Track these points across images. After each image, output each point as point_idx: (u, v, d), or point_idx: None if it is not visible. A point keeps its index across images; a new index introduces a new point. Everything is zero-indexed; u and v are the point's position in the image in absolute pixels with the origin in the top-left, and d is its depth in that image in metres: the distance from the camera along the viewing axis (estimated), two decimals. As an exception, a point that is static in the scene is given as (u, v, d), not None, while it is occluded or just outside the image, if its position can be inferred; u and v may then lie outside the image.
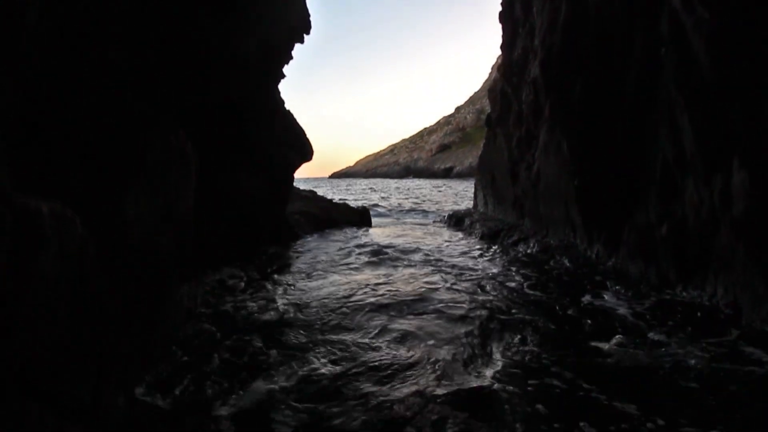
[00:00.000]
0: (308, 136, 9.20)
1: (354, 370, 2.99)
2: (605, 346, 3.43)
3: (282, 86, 8.49)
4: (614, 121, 5.86)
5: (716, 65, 4.08)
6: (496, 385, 2.78)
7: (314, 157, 9.47)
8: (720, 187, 4.07)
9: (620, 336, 3.59)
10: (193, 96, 4.33)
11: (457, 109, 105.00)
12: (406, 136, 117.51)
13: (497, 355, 3.31)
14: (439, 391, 2.62)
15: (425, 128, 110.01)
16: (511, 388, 2.76)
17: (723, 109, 4.09)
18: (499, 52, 10.39)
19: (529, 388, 2.77)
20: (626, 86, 5.69)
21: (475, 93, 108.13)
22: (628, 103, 5.66)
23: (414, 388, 2.63)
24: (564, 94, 6.59)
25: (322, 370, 3.01)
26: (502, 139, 10.00)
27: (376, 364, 3.10)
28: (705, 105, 4.28)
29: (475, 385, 2.79)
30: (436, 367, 3.06)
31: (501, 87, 10.15)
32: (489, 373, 3.00)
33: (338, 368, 3.03)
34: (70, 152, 2.52)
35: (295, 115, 8.96)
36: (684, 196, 4.65)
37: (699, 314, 4.00)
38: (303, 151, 9.02)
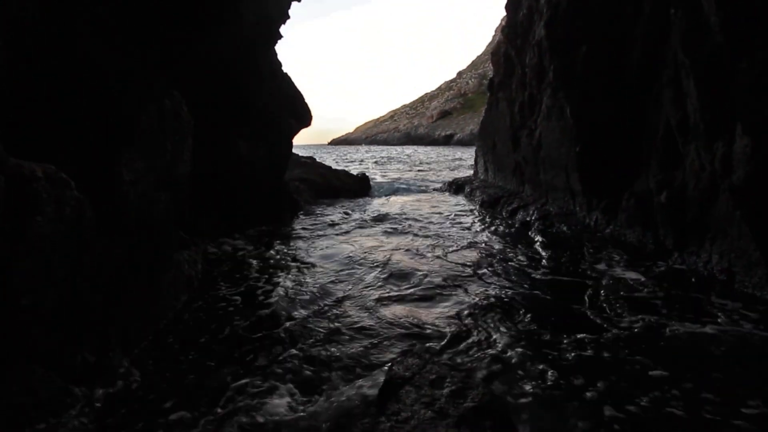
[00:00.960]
0: (306, 101, 9.01)
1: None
2: (601, 310, 3.50)
3: (278, 48, 8.23)
4: (619, 86, 5.73)
5: (726, 27, 3.94)
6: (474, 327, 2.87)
7: (313, 123, 9.30)
8: (721, 153, 4.03)
9: (616, 300, 3.66)
10: (187, 56, 4.20)
11: (459, 73, 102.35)
12: (407, 101, 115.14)
13: (499, 318, 3.39)
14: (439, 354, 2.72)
15: (426, 93, 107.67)
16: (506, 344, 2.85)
17: (730, 72, 3.99)
18: (504, 13, 10.02)
19: (525, 350, 2.85)
20: (633, 48, 5.52)
21: (478, 57, 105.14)
22: (634, 67, 5.52)
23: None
24: (569, 56, 6.41)
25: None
26: (504, 104, 9.80)
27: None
28: (712, 68, 4.17)
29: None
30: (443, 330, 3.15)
31: (504, 50, 9.84)
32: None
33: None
34: (60, 115, 2.47)
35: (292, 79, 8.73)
36: (685, 162, 4.61)
37: (693, 279, 4.07)
38: (301, 116, 8.85)
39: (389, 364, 2.30)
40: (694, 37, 4.33)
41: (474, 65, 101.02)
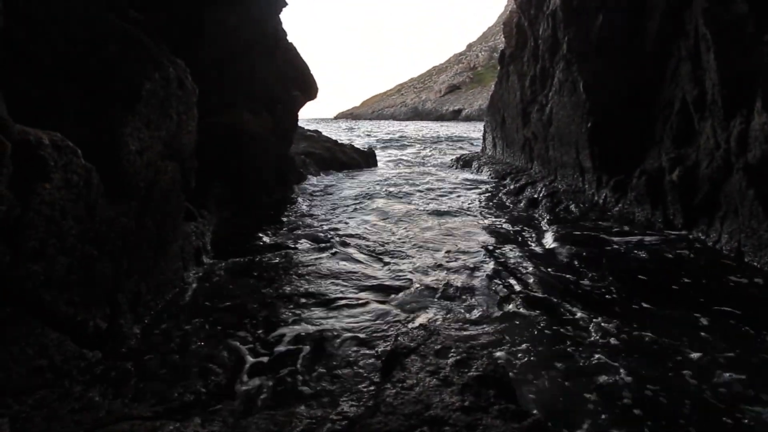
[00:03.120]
0: (312, 73, 8.82)
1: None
2: (607, 284, 3.51)
3: (282, 17, 8.00)
4: (635, 60, 5.55)
5: (753, -5, 3.77)
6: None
7: (318, 96, 9.14)
8: (738, 131, 3.93)
9: (622, 278, 3.66)
10: (191, 22, 4.10)
11: (469, 46, 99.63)
12: (415, 75, 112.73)
13: (505, 289, 3.42)
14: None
15: (434, 67, 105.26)
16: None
17: (751, 45, 3.84)
18: (518, -19, 9.62)
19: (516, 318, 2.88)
20: (651, 19, 5.32)
21: (489, 28, 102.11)
22: (652, 39, 5.33)
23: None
24: (584, 27, 6.19)
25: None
26: (515, 78, 9.57)
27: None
28: (733, 41, 4.01)
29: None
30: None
31: (517, 20, 9.52)
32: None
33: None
34: (65, 83, 2.44)
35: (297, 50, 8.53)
36: (699, 140, 4.51)
37: (701, 258, 4.04)
38: (307, 88, 8.70)
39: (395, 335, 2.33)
40: (717, 7, 4.16)
41: (485, 37, 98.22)
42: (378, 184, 9.08)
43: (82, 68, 2.52)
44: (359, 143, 17.84)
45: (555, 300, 3.24)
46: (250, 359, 2.48)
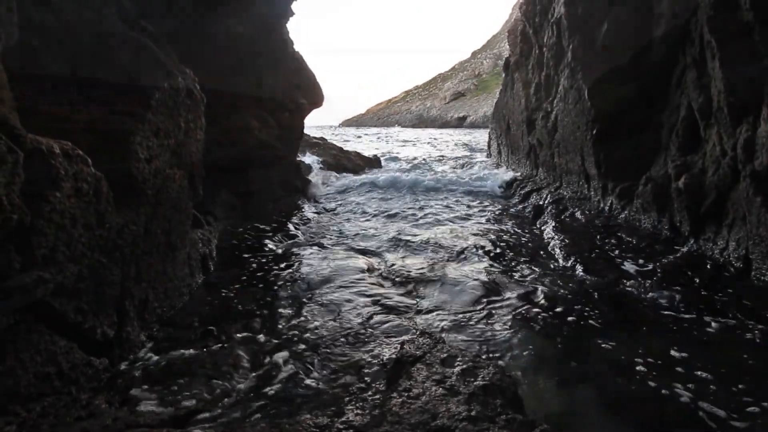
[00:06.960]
0: (317, 81, 8.89)
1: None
2: (613, 302, 3.48)
3: (289, 26, 8.09)
4: (640, 67, 5.55)
5: (756, 3, 3.77)
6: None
7: (324, 103, 9.20)
8: (745, 138, 3.91)
9: (630, 287, 3.63)
10: (198, 32, 4.17)
11: (474, 54, 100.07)
12: (420, 82, 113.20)
13: (509, 303, 3.40)
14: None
15: (439, 74, 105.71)
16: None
17: (758, 52, 3.83)
18: (522, -10, 9.68)
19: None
20: (657, 26, 5.33)
21: (494, 36, 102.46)
22: (657, 46, 5.33)
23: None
24: (589, 35, 6.21)
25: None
26: (519, 85, 9.59)
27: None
28: (739, 48, 4.01)
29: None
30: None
31: (522, 28, 9.57)
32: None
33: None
34: (76, 92, 2.48)
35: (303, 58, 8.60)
36: (706, 147, 4.49)
37: (709, 266, 4.01)
38: (313, 96, 8.77)
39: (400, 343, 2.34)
40: (722, 14, 4.16)
41: (489, 45, 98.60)
42: (383, 191, 9.10)
43: (93, 78, 2.56)
44: (365, 146, 17.88)
45: (561, 310, 3.22)
46: (255, 367, 2.48)
